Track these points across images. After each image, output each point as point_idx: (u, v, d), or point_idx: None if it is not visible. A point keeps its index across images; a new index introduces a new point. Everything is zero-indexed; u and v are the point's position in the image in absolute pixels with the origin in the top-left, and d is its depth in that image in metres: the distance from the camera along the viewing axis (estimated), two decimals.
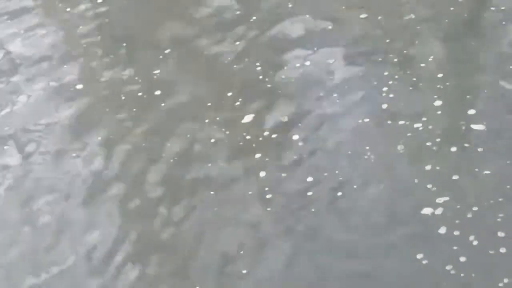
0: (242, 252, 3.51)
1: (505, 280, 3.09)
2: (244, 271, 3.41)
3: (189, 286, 3.42)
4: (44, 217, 4.04)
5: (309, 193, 3.72)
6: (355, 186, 3.72)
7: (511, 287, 3.07)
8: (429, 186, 3.59)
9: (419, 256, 3.27)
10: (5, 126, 4.83)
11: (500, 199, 3.42)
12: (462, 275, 3.16)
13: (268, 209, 3.71)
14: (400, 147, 3.88)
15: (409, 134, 3.94)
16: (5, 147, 4.64)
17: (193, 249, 3.61)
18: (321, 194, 3.70)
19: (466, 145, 3.76)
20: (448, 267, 3.19)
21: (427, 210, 3.48)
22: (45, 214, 4.05)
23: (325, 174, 3.81)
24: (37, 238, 3.92)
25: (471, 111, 3.95)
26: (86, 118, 4.74)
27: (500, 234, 3.28)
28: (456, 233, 3.33)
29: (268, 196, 3.77)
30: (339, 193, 3.68)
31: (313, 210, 3.64)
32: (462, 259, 3.22)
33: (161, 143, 4.31)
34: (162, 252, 3.66)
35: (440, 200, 3.51)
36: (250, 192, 3.82)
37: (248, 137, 4.20)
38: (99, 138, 4.50)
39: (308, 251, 3.44)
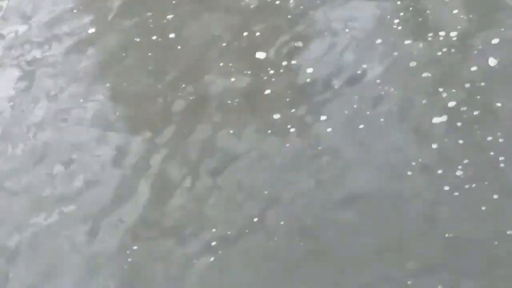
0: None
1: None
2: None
3: None
4: None
5: (328, 130, 3.97)
6: (373, 115, 4.00)
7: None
8: (443, 93, 3.92)
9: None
10: None
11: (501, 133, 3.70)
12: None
13: (287, 145, 3.98)
14: (412, 64, 4.16)
15: (420, 45, 4.24)
16: None
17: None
18: (339, 129, 3.97)
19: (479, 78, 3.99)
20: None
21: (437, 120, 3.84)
22: None
23: (346, 112, 4.06)
24: None
25: (495, 40, 4.13)
26: (99, 64, 4.98)
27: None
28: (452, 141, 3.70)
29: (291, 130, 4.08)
30: (360, 125, 3.95)
31: (331, 145, 3.94)
32: (465, 161, 3.59)
33: (177, 84, 4.58)
34: None
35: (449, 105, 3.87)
36: (269, 131, 4.09)
37: (261, 73, 4.46)
38: (111, 84, 4.77)
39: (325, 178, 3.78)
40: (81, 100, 4.76)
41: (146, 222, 3.91)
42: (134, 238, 3.86)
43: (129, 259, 3.77)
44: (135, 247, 3.82)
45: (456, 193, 3.47)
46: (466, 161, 3.60)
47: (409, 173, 3.64)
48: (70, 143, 4.51)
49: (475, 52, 4.08)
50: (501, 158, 3.56)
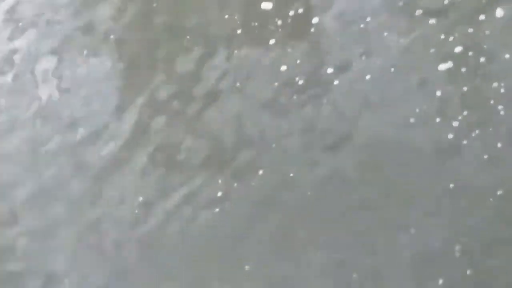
0: None
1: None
2: None
3: None
4: None
5: (335, 82, 3.99)
6: (377, 61, 4.00)
7: None
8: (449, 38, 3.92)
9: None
10: None
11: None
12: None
13: (294, 97, 4.01)
14: (418, 12, 4.13)
15: None
16: None
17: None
18: (346, 80, 3.97)
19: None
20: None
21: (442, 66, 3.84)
22: None
23: (353, 63, 4.06)
24: None
25: None
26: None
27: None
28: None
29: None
30: (367, 76, 3.96)
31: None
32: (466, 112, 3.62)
33: (181, 35, 4.59)
34: None
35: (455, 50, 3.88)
36: (276, 83, 4.11)
37: (267, 24, 4.45)
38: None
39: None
40: (84, 52, 4.81)
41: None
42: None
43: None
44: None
45: (463, 141, 3.48)
46: (467, 110, 3.61)
47: (412, 120, 3.65)
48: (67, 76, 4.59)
49: (483, 1, 4.05)
50: (500, 107, 3.57)
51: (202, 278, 3.44)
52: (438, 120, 3.61)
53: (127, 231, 3.73)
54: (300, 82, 4.04)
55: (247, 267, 3.37)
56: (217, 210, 3.65)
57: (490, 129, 3.48)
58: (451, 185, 3.36)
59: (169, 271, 3.53)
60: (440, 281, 3.14)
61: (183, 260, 3.54)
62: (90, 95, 4.41)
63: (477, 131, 3.50)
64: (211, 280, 3.41)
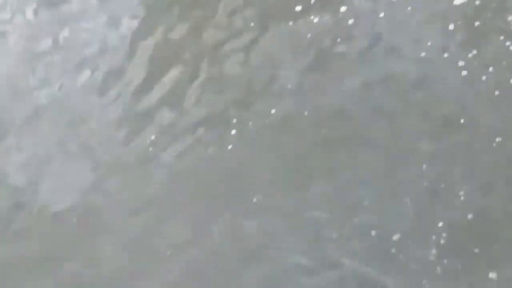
0: None
1: None
2: None
3: None
4: None
5: (350, 21, 3.97)
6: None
7: None
8: None
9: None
10: None
11: None
12: None
13: (309, 35, 4.01)
14: None
15: None
16: None
17: None
18: (360, 19, 3.96)
19: None
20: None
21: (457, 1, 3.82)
22: None
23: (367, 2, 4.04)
24: None
25: None
26: None
27: None
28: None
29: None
30: (381, 14, 3.94)
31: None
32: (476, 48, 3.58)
33: None
34: None
35: None
36: (290, 23, 4.10)
37: None
38: None
39: None
40: None
41: None
42: None
43: None
44: None
45: (474, 77, 3.46)
46: (478, 46, 3.57)
47: (423, 54, 3.63)
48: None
49: None
50: (508, 43, 3.53)
51: (213, 210, 3.50)
52: (446, 55, 3.59)
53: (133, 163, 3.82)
54: (315, 20, 4.02)
55: (255, 199, 3.42)
56: (230, 147, 3.69)
57: (504, 63, 3.46)
58: (461, 120, 3.35)
59: (179, 204, 3.59)
60: (440, 223, 3.16)
61: (193, 194, 3.59)
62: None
63: (490, 69, 3.47)
64: (221, 211, 3.46)
